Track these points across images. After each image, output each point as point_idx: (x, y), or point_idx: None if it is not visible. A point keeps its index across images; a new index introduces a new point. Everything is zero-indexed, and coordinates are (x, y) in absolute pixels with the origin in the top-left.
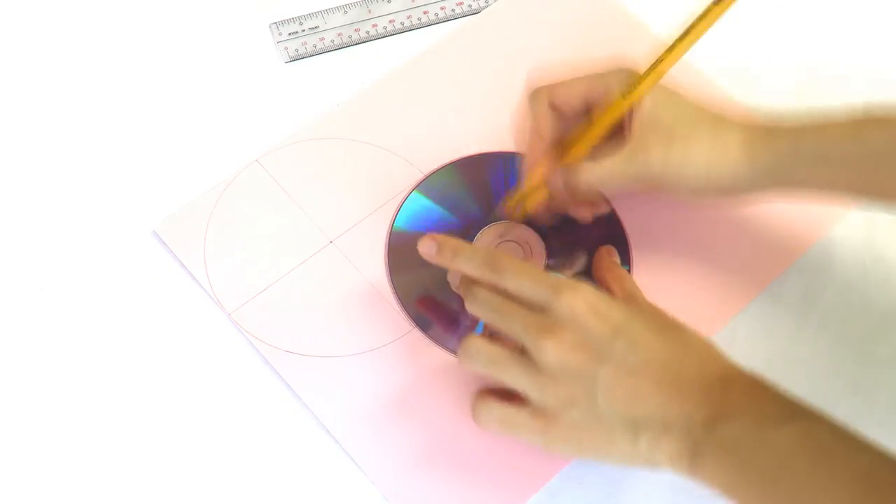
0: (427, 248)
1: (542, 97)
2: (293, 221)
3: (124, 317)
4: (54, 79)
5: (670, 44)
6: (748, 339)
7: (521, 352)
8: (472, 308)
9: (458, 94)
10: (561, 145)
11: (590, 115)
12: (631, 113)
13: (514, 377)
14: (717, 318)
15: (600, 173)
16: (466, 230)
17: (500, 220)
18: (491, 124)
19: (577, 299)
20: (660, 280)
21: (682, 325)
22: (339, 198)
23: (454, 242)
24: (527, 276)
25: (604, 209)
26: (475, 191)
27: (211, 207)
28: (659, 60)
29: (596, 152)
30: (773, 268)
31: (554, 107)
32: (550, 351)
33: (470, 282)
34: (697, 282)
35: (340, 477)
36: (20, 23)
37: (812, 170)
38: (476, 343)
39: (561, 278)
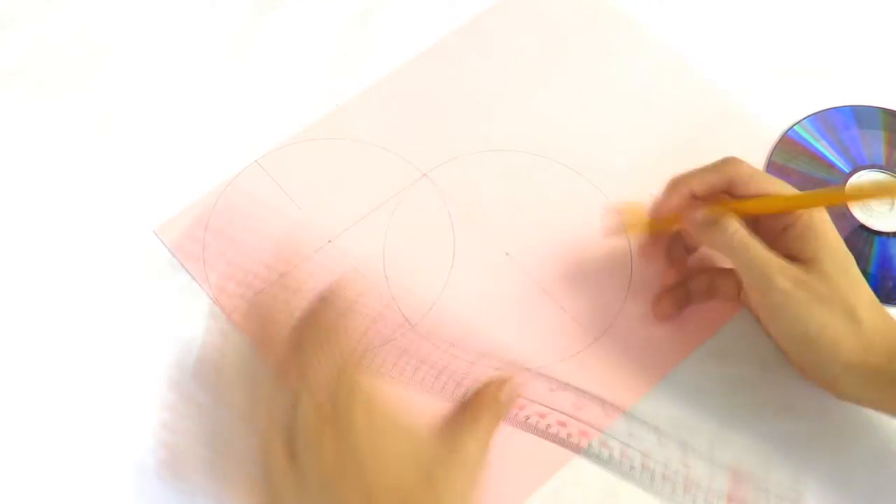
0: None
1: (680, 184)
2: (292, 221)
3: (124, 317)
4: (53, 78)
5: None
6: (748, 338)
7: None
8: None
9: (458, 94)
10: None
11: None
12: (808, 230)
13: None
14: (717, 317)
15: (741, 246)
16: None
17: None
18: (491, 124)
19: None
20: (660, 278)
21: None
22: (338, 198)
23: None
24: None
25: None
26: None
27: (211, 208)
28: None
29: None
30: None
31: (691, 192)
32: None
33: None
34: None
35: None
36: (19, 20)
37: None
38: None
39: None
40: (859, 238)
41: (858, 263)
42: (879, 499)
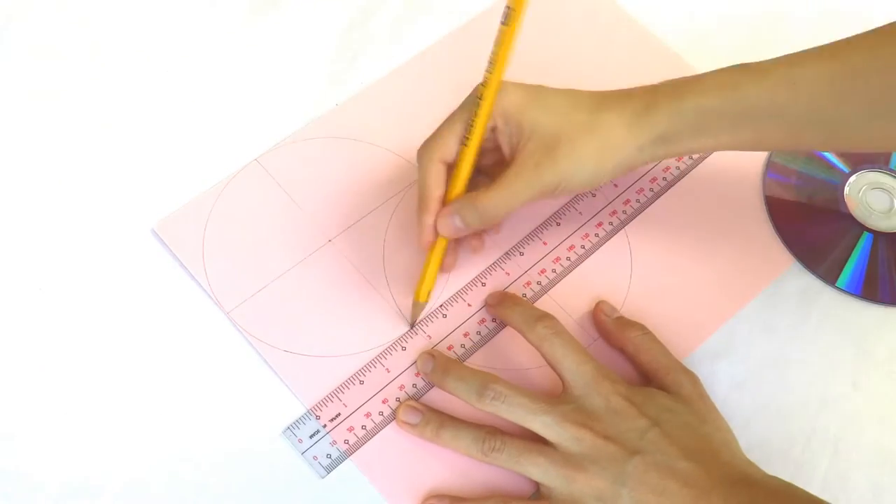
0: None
1: (426, 155)
2: (292, 220)
3: (123, 315)
4: (52, 78)
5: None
6: (748, 338)
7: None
8: (486, 404)
9: (458, 94)
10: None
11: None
12: (497, 133)
13: (541, 469)
14: (717, 317)
15: (505, 199)
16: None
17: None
18: None
19: (615, 390)
20: (660, 279)
21: (712, 411)
22: (338, 197)
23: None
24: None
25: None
26: None
27: (210, 206)
28: (482, 90)
29: (489, 180)
30: (773, 267)
31: (441, 161)
32: (587, 441)
33: (486, 379)
34: (697, 281)
35: (340, 476)
36: (19, 20)
37: (697, 132)
38: (500, 437)
39: (601, 367)
40: (859, 238)
41: (859, 262)
42: (879, 498)
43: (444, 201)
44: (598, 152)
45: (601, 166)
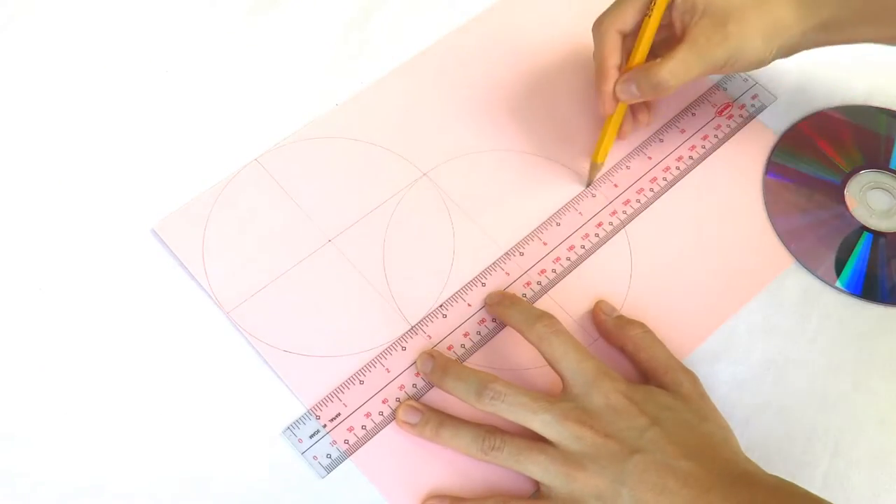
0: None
1: (604, 25)
2: (292, 220)
3: (123, 316)
4: (53, 78)
5: None
6: (748, 338)
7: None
8: (485, 403)
9: (458, 94)
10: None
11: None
12: (672, 8)
13: (541, 468)
14: (717, 316)
15: (677, 71)
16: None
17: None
18: (491, 123)
19: (615, 388)
20: (660, 279)
21: (712, 410)
22: (338, 197)
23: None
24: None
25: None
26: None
27: (210, 206)
28: None
29: (658, 55)
30: (773, 267)
31: (619, 31)
32: (587, 439)
33: (486, 379)
34: (697, 280)
35: (340, 476)
36: (19, 20)
37: (861, 20)
38: (500, 436)
39: (600, 365)
40: (859, 238)
41: (859, 262)
42: (879, 498)
43: (622, 70)
44: (766, 32)
45: (768, 46)
